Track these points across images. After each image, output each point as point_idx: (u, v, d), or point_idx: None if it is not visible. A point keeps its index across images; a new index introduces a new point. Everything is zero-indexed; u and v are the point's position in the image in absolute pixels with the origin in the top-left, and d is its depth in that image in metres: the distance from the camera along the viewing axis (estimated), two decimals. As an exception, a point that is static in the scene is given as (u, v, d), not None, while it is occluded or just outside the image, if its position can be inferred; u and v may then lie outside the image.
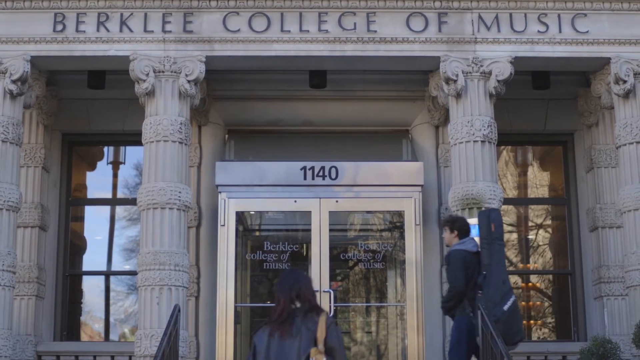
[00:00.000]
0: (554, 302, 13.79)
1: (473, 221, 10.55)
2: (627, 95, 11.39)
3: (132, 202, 12.74)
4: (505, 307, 8.96)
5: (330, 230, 12.64)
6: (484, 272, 9.13)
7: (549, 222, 13.99)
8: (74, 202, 13.42)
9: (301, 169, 12.39)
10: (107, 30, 11.42)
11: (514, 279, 13.60)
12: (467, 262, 9.20)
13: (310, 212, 12.27)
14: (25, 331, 12.30)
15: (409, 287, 11.97)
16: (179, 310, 10.07)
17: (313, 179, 12.35)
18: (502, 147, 13.65)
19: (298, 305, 6.55)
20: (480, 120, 11.23)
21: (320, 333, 6.44)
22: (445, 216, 10.91)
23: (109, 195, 13.75)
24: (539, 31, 11.50)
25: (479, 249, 9.31)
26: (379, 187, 12.28)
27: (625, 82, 11.31)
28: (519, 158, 14.10)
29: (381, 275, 13.57)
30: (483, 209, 10.86)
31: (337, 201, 12.55)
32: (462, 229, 9.49)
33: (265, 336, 6.48)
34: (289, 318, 6.52)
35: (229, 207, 12.25)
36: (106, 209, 13.71)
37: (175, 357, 9.76)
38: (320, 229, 12.25)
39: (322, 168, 12.38)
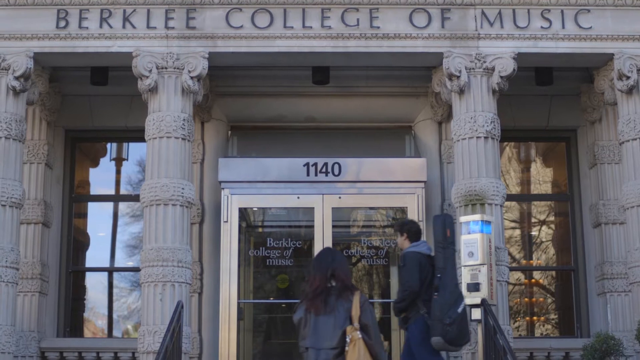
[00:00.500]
0: (557, 298, 13.78)
1: (475, 217, 10.59)
2: (630, 91, 11.37)
3: (135, 198, 12.75)
4: (459, 310, 9.11)
5: (333, 226, 12.64)
6: (439, 275, 9.24)
7: (552, 218, 13.98)
8: (77, 198, 13.42)
9: (304, 165, 12.39)
10: (110, 26, 11.43)
11: (517, 275, 13.61)
12: (422, 264, 9.34)
13: (313, 208, 12.27)
14: (28, 327, 12.31)
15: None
16: (182, 307, 10.10)
17: (316, 175, 12.35)
18: (505, 143, 13.64)
19: (333, 284, 7.09)
20: (484, 117, 11.22)
21: (355, 311, 7.03)
22: (397, 221, 10.98)
23: (112, 192, 13.75)
24: (542, 27, 11.49)
25: (432, 253, 9.49)
26: (382, 183, 12.28)
27: (628, 78, 11.29)
28: (522, 154, 14.09)
29: (384, 272, 13.57)
30: (486, 205, 10.89)
31: (340, 197, 12.55)
32: (411, 232, 9.67)
33: (302, 312, 7.14)
34: (322, 294, 7.08)
35: (231, 204, 12.26)
36: (109, 206, 13.72)
37: (178, 353, 9.78)
38: (324, 225, 12.26)
39: (325, 164, 12.38)
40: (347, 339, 7.04)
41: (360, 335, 7.05)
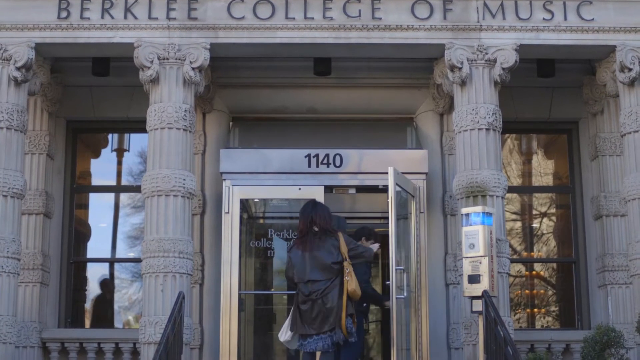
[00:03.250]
0: (558, 290, 13.79)
1: (476, 209, 10.60)
2: (632, 83, 11.36)
3: (136, 189, 12.76)
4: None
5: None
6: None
7: (553, 210, 13.97)
8: (78, 189, 13.42)
9: (305, 157, 12.39)
10: (112, 17, 11.42)
11: (518, 267, 13.62)
12: None
13: (315, 199, 12.23)
14: (30, 318, 12.33)
15: (413, 275, 11.95)
16: (183, 297, 10.11)
17: (317, 166, 12.35)
18: (507, 135, 13.63)
19: (316, 229, 9.41)
20: (485, 108, 11.22)
21: (343, 248, 9.35)
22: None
23: (113, 183, 13.75)
24: (544, 19, 11.48)
25: None
26: (384, 174, 12.24)
27: (630, 70, 11.28)
28: (523, 146, 14.08)
29: (385, 263, 13.57)
30: (487, 196, 10.89)
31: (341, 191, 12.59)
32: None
33: (300, 251, 9.40)
34: (308, 236, 9.42)
35: (233, 195, 12.25)
36: (110, 197, 13.72)
37: (179, 343, 9.80)
38: (325, 216, 12.23)
39: (327, 155, 12.38)
40: (346, 272, 9.28)
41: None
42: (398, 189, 11.49)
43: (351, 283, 9.27)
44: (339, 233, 9.49)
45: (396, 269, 11.07)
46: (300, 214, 9.62)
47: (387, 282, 11.24)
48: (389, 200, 11.26)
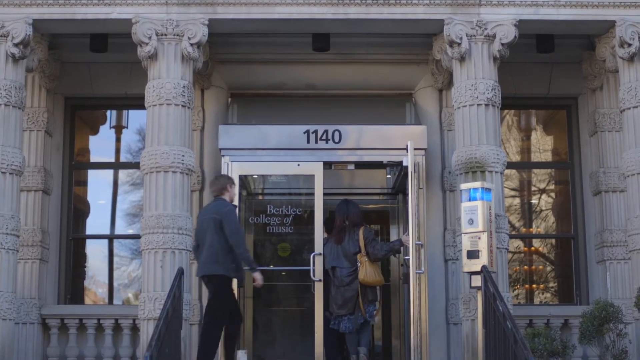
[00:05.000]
0: (557, 266, 13.81)
1: (475, 185, 10.60)
2: (631, 58, 11.33)
3: (135, 166, 12.74)
4: None
5: (333, 193, 12.69)
6: None
7: (552, 186, 13.98)
8: (77, 166, 13.41)
9: (304, 133, 12.36)
10: (110, -8, 11.37)
11: (517, 243, 13.63)
12: None
13: (314, 175, 12.25)
14: (29, 294, 12.35)
15: (411, 250, 11.96)
16: (183, 273, 10.13)
17: (316, 142, 12.33)
18: (505, 111, 13.59)
19: (347, 223, 11.38)
20: (484, 84, 11.20)
21: (361, 242, 11.25)
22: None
23: (112, 160, 13.73)
24: (543, -6, 11.44)
25: None
26: (383, 150, 12.27)
27: (630, 45, 11.25)
28: (522, 122, 14.07)
29: (385, 238, 13.60)
30: (487, 172, 10.91)
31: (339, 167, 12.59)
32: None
33: (332, 243, 11.42)
34: (342, 231, 11.38)
35: (232, 171, 12.23)
36: (109, 174, 13.70)
37: (178, 319, 9.83)
38: (324, 192, 12.24)
39: (326, 131, 12.36)
40: (358, 263, 11.15)
41: (366, 259, 11.17)
42: (405, 164, 11.50)
43: (360, 272, 11.10)
44: (361, 227, 11.34)
45: (416, 244, 11.11)
46: (337, 211, 11.54)
47: (407, 258, 11.32)
48: (410, 175, 11.28)
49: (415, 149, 11.65)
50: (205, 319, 10.11)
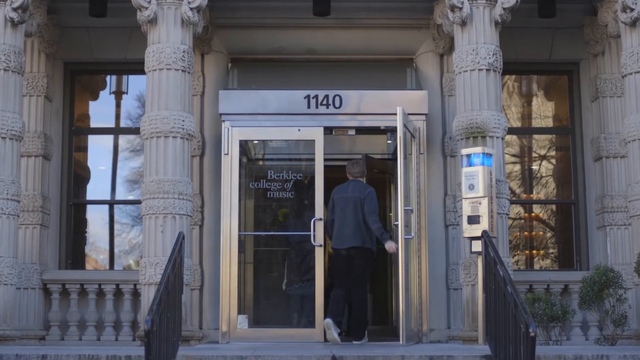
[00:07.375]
0: (557, 232, 13.83)
1: (476, 150, 10.57)
2: (634, 23, 11.25)
3: (135, 131, 12.73)
4: None
5: (334, 159, 12.66)
6: None
7: (552, 152, 13.95)
8: (77, 131, 13.39)
9: (305, 98, 12.33)
10: (108, -44, 11.30)
11: (517, 210, 13.64)
12: None
13: (314, 140, 12.23)
14: (30, 260, 12.39)
15: (413, 215, 11.97)
16: (183, 238, 10.10)
17: (317, 107, 12.31)
18: (507, 77, 13.56)
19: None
20: (486, 49, 11.14)
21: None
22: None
23: (112, 126, 13.70)
24: (545, -43, 11.36)
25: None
26: (383, 115, 12.22)
27: (632, 10, 11.16)
28: (523, 88, 14.02)
29: (386, 203, 13.59)
30: (487, 137, 10.88)
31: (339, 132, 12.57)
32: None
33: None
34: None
35: (232, 136, 12.22)
36: (109, 139, 13.68)
37: (180, 284, 9.82)
38: (324, 157, 12.23)
39: (326, 96, 12.32)
40: None
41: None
42: (404, 129, 11.47)
43: None
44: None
45: (405, 209, 11.12)
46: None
47: (396, 223, 11.31)
48: (398, 140, 11.25)
49: (415, 114, 11.64)
50: (353, 284, 11.32)
